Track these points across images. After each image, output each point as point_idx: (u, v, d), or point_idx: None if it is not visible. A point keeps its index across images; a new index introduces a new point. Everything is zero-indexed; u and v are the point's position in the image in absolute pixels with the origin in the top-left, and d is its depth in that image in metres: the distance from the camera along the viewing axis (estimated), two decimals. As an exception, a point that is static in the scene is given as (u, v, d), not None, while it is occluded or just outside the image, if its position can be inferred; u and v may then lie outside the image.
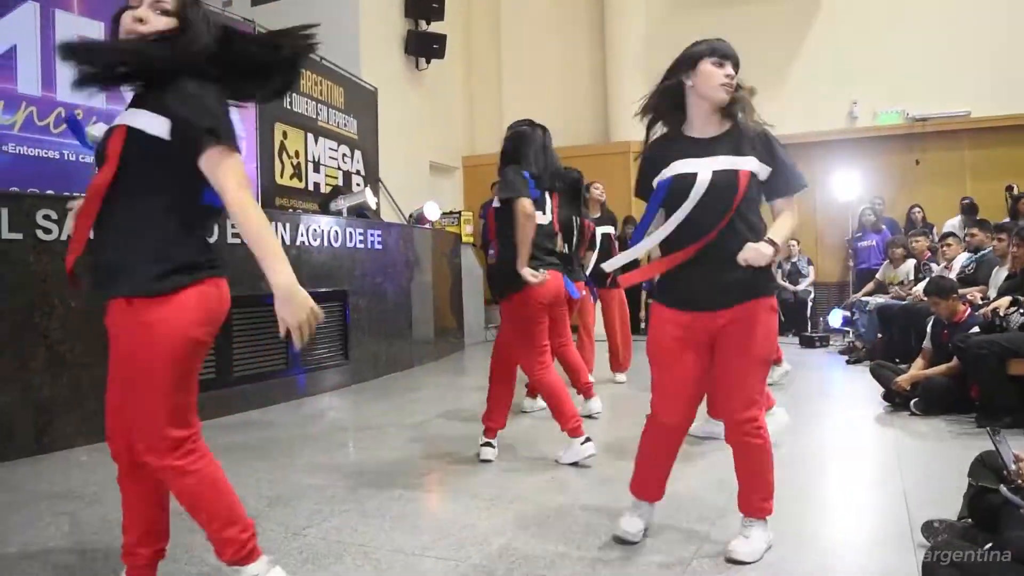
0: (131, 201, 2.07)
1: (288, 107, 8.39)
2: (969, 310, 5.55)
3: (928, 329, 5.73)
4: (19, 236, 4.32)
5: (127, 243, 2.08)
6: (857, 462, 4.28)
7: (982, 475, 2.70)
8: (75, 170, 5.85)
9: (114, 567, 2.42)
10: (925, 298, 7.10)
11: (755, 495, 2.79)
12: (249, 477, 3.90)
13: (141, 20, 2.08)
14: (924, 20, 10.62)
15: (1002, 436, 2.67)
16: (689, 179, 2.67)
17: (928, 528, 2.84)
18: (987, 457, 2.75)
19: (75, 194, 4.64)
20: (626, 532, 2.91)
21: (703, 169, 2.66)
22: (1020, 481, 2.50)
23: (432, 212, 9.48)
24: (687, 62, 2.76)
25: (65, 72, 5.81)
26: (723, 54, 2.73)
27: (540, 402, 5.51)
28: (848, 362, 8.11)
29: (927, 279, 6.80)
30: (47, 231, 4.42)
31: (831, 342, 9.61)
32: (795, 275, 10.77)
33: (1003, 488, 2.52)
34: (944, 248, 7.54)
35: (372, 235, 7.54)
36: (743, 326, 2.68)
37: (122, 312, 2.09)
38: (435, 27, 11.46)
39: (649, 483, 2.96)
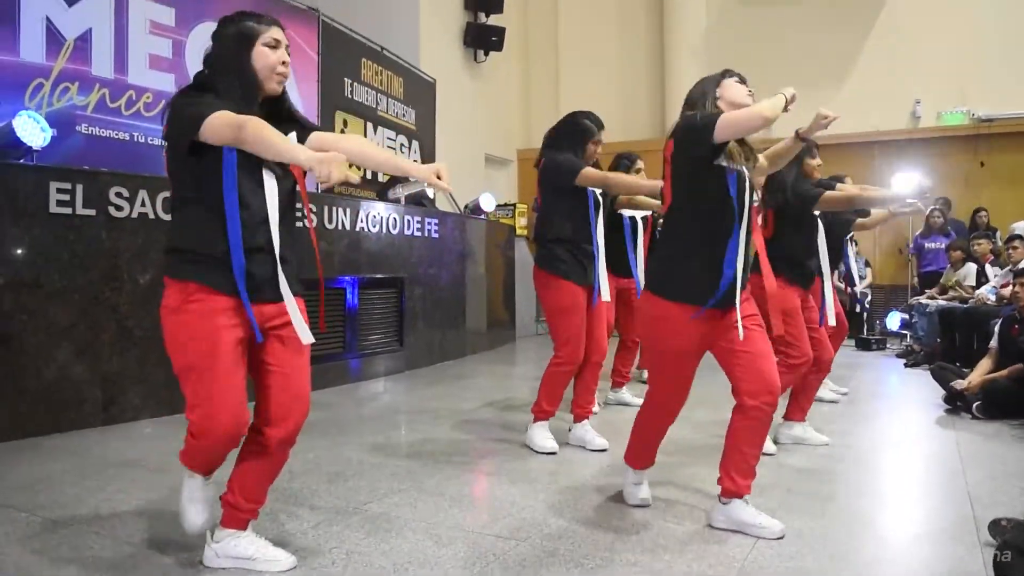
0: None
1: (349, 96, 8.50)
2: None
3: (996, 329, 5.60)
4: (92, 212, 4.45)
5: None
6: (918, 461, 4.21)
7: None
8: (144, 151, 6.01)
9: (181, 532, 2.49)
10: (988, 301, 6.97)
11: None
12: (308, 452, 3.96)
13: (288, 64, 2.37)
14: (990, 17, 10.39)
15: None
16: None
17: (995, 526, 2.79)
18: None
19: (145, 174, 4.78)
20: (644, 499, 3.20)
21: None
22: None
23: (488, 203, 9.52)
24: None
25: (136, 55, 6.02)
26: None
27: (622, 394, 5.56)
28: (906, 365, 7.96)
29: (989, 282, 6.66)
30: (119, 208, 4.55)
31: (888, 345, 9.45)
32: (852, 277, 10.58)
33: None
34: (1011, 251, 7.37)
35: (429, 223, 7.61)
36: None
37: None
38: (494, 19, 11.50)
39: (647, 455, 3.22)
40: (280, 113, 2.40)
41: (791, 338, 4.07)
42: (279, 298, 2.38)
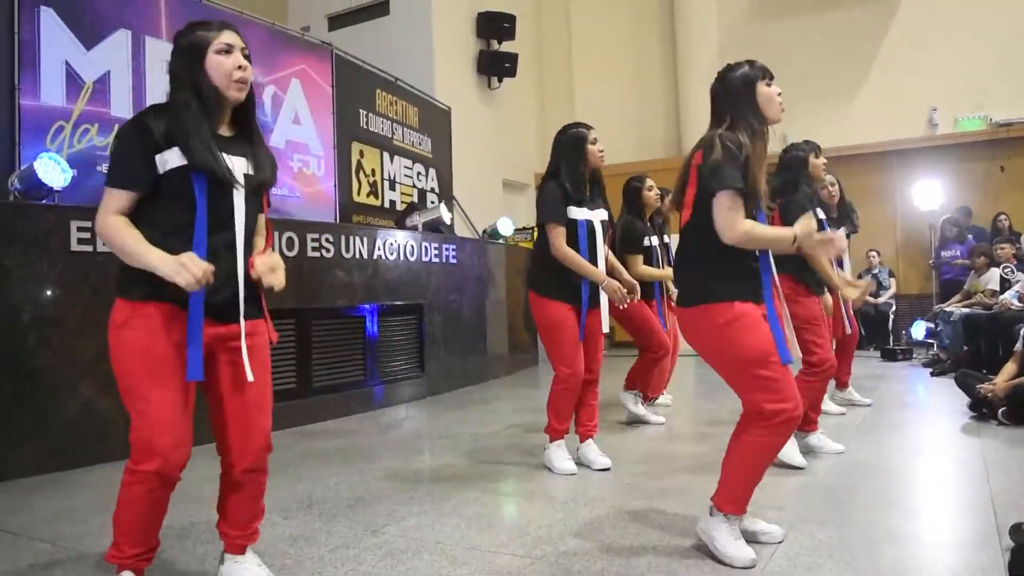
0: None
1: (364, 127, 8.62)
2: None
3: (1021, 332, 5.53)
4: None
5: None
6: (942, 469, 4.16)
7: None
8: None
9: (200, 560, 2.53)
10: (1013, 306, 6.90)
11: None
12: (330, 479, 4.02)
13: (246, 68, 2.26)
14: (1003, 22, 10.33)
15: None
16: None
17: (1016, 531, 2.75)
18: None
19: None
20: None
21: None
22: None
23: (506, 228, 9.57)
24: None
25: (154, 95, 6.14)
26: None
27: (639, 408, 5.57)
28: (932, 374, 7.87)
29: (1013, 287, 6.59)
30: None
31: (914, 355, 9.35)
32: (876, 287, 10.53)
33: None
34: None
35: (447, 249, 7.66)
36: None
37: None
38: (507, 46, 11.63)
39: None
40: (249, 134, 2.35)
41: (814, 346, 4.13)
42: (236, 319, 2.29)
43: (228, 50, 2.23)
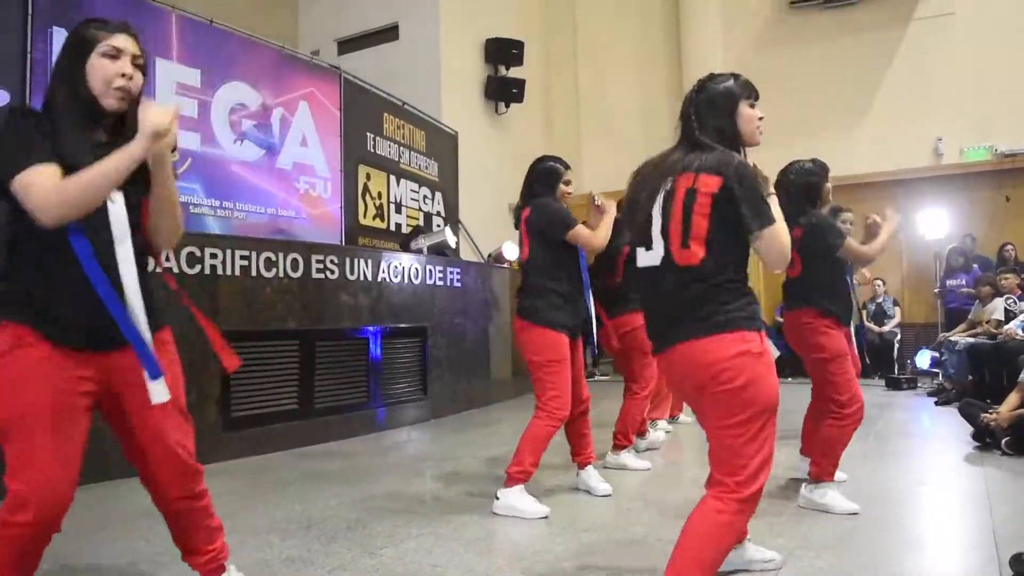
0: None
1: (371, 150, 8.68)
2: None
3: (1024, 363, 5.53)
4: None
5: None
6: (944, 499, 4.14)
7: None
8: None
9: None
10: (1017, 336, 6.89)
11: None
12: (330, 500, 4.01)
13: (131, 77, 2.05)
14: (1008, 53, 10.39)
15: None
16: None
17: (1017, 561, 2.75)
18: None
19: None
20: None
21: None
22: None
23: (511, 252, 9.59)
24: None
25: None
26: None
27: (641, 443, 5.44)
28: (937, 403, 7.83)
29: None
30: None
31: (919, 384, 9.31)
32: (880, 316, 10.52)
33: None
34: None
35: (451, 273, 7.69)
36: None
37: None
38: (514, 72, 11.73)
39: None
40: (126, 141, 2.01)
41: (841, 386, 3.83)
42: (122, 342, 2.05)
43: (115, 55, 2.02)
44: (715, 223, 2.23)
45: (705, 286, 2.23)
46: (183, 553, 2.35)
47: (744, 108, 2.42)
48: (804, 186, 3.99)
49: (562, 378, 3.86)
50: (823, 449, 3.83)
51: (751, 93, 2.45)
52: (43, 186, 1.87)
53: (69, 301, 1.98)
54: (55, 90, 2.03)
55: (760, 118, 2.44)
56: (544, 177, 4.08)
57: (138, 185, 2.07)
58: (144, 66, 2.10)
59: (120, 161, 1.89)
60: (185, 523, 2.30)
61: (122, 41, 2.04)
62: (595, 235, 3.95)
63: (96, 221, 1.99)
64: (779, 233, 2.23)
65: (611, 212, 4.02)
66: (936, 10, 10.94)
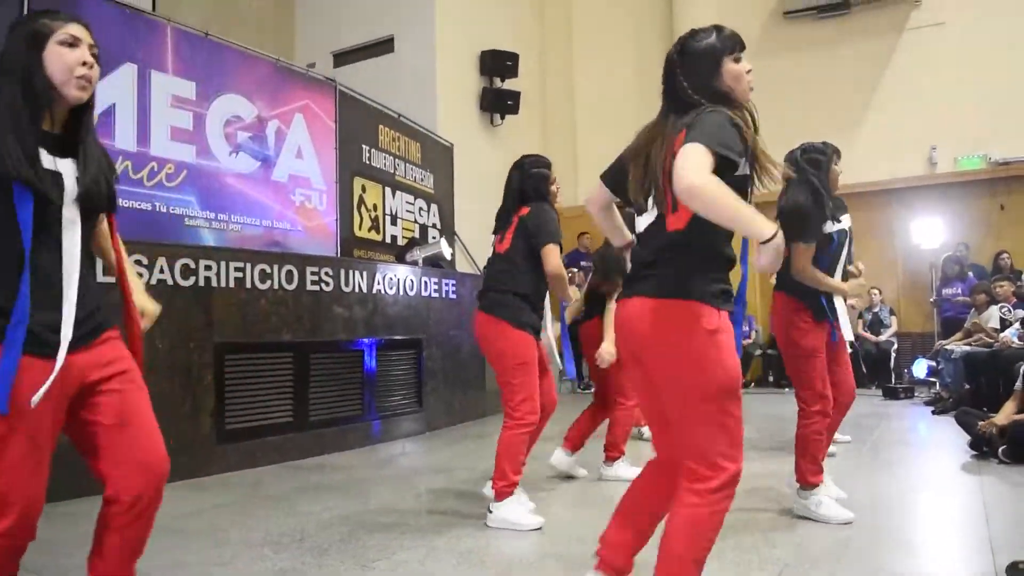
0: None
1: (367, 162, 8.68)
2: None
3: (1021, 370, 5.51)
4: (112, 280, 4.54)
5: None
6: (940, 508, 4.13)
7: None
8: (165, 220, 6.16)
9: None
10: (1013, 344, 6.89)
11: None
12: (323, 513, 3.99)
13: (92, 66, 2.01)
14: (1002, 62, 10.40)
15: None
16: None
17: (1013, 569, 2.74)
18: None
19: (164, 242, 4.89)
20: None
21: None
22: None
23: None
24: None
25: (158, 128, 6.21)
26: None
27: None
28: (934, 412, 7.82)
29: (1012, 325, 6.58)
30: (139, 275, 4.64)
31: (916, 393, 9.30)
32: (877, 325, 10.52)
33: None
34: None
35: (447, 285, 7.68)
36: None
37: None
38: (509, 84, 11.74)
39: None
40: (81, 132, 2.03)
41: (806, 383, 3.81)
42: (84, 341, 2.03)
43: (73, 43, 1.97)
44: None
45: (684, 252, 2.15)
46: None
47: (729, 64, 2.27)
48: (810, 163, 3.91)
49: (531, 381, 3.83)
50: (799, 450, 3.84)
51: (735, 46, 2.30)
52: None
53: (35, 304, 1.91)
54: (3, 83, 1.93)
55: (748, 71, 2.30)
56: (539, 183, 4.16)
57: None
58: (98, 57, 2.04)
59: None
60: (122, 539, 2.21)
61: (78, 30, 1.99)
62: (563, 279, 4.02)
63: (49, 228, 1.95)
64: (702, 153, 1.96)
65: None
66: (929, 20, 10.97)
